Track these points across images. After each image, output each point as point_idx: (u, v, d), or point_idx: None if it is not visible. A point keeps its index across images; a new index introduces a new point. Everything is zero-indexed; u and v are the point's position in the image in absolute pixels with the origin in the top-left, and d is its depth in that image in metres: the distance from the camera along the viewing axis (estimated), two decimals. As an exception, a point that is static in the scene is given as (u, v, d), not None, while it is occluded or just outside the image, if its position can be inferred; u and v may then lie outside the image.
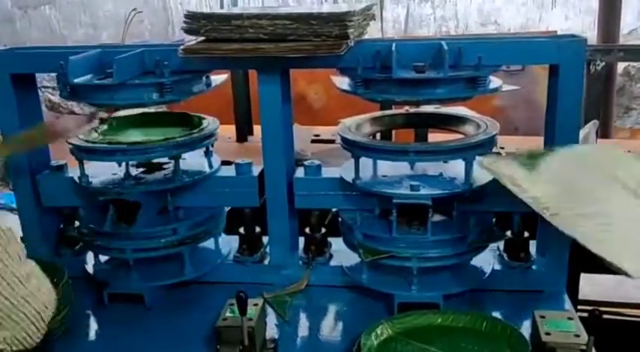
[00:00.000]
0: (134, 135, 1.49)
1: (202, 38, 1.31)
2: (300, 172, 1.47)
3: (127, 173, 1.48)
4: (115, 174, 1.48)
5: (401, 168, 1.44)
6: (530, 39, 1.33)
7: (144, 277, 1.48)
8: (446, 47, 1.23)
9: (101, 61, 1.39)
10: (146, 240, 1.45)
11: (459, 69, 1.28)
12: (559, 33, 4.23)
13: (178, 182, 1.44)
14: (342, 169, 1.45)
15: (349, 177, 1.40)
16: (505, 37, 1.38)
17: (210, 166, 1.51)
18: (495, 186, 1.32)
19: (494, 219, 1.46)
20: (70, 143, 1.41)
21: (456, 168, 1.40)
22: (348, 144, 1.40)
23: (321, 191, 1.45)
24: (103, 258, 1.55)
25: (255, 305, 1.24)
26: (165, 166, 1.52)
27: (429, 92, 1.27)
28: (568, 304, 1.42)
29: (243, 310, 1.09)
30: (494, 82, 1.33)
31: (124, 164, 1.48)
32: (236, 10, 1.31)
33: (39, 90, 1.56)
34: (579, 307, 2.52)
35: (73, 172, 1.50)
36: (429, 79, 1.26)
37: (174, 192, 1.47)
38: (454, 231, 1.37)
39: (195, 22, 1.29)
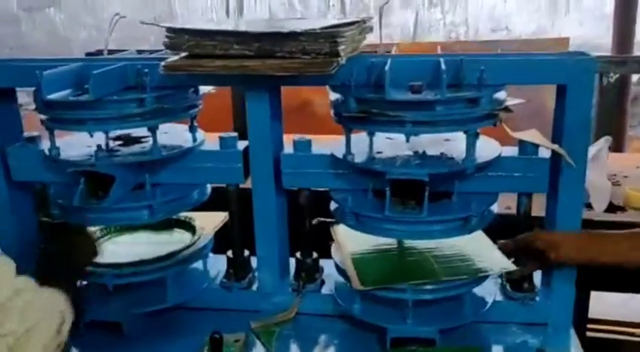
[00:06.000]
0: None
1: (185, 54, 1.23)
2: (288, 148, 1.38)
3: (101, 145, 1.35)
4: (90, 146, 1.36)
5: (399, 146, 1.32)
6: (536, 57, 1.23)
7: (123, 304, 1.40)
8: (444, 66, 1.14)
9: (81, 75, 1.32)
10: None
11: (459, 89, 1.19)
12: (572, 39, 4.13)
13: (156, 155, 1.32)
14: (334, 146, 1.33)
15: (340, 153, 1.30)
16: (509, 54, 1.28)
17: (194, 140, 1.41)
18: (500, 164, 1.25)
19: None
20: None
21: (457, 146, 1.29)
22: (339, 117, 1.28)
23: (311, 168, 1.35)
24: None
25: (237, 341, 1.16)
26: (144, 140, 1.41)
27: (426, 114, 1.18)
28: (574, 339, 1.33)
29: (218, 352, 1.01)
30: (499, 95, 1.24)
31: (103, 137, 1.37)
32: (221, 26, 1.23)
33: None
34: (589, 326, 2.43)
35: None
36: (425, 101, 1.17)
37: (152, 167, 1.36)
38: (453, 212, 1.26)
39: (178, 37, 1.21)
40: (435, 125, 1.19)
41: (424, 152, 1.30)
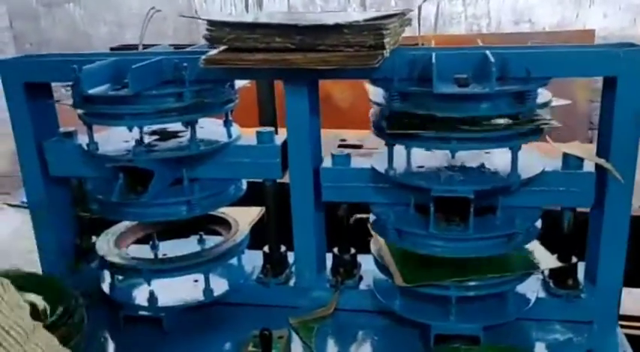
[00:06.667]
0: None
1: (224, 47, 1.21)
2: (327, 162, 1.36)
3: (139, 140, 1.36)
4: (127, 141, 1.36)
5: (438, 158, 1.31)
6: (584, 49, 1.20)
7: (162, 299, 1.39)
8: (492, 59, 1.12)
9: (118, 70, 1.30)
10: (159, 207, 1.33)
11: (506, 82, 1.16)
12: (597, 31, 4.06)
13: (194, 150, 1.32)
14: (374, 159, 1.32)
15: (382, 167, 1.28)
16: (555, 46, 1.25)
17: (230, 135, 1.40)
18: (544, 178, 1.22)
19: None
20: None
21: (497, 158, 1.27)
22: (379, 131, 1.26)
23: (351, 182, 1.33)
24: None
25: (280, 337, 1.15)
26: (181, 134, 1.40)
27: (473, 108, 1.15)
28: (621, 337, 1.30)
29: (267, 350, 1.00)
30: (544, 95, 1.21)
31: (138, 132, 1.37)
32: (263, 19, 1.21)
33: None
34: (619, 322, 2.40)
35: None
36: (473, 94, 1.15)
37: (190, 162, 1.36)
38: (498, 229, 1.23)
39: (218, 30, 1.20)
40: (480, 142, 1.17)
41: (463, 165, 1.28)
